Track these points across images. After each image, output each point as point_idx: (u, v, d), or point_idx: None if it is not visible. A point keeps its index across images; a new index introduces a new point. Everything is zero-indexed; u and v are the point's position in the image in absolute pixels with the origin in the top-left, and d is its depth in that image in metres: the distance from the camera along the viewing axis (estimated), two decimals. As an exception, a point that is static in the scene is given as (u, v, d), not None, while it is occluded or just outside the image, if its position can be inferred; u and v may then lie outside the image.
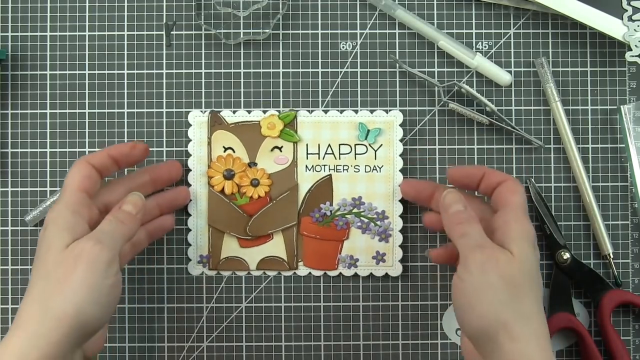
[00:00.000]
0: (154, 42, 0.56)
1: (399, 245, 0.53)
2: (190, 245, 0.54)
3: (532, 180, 0.55)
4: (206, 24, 0.56)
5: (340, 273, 0.54)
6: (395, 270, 0.53)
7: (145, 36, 0.56)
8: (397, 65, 0.55)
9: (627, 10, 0.53)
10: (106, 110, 0.56)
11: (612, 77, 0.56)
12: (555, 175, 0.56)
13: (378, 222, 0.53)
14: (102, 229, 0.44)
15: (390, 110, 0.54)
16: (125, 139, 0.55)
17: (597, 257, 0.55)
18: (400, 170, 0.53)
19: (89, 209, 0.46)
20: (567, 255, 0.54)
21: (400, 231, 0.53)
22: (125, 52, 0.56)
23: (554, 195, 0.56)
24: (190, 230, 0.54)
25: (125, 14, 0.56)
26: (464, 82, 0.56)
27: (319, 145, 0.53)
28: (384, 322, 0.55)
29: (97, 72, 0.56)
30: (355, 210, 0.53)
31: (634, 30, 0.53)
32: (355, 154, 0.53)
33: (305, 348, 0.55)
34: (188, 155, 0.54)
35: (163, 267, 0.55)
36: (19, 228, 0.55)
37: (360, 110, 0.54)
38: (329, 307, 0.55)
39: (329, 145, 0.53)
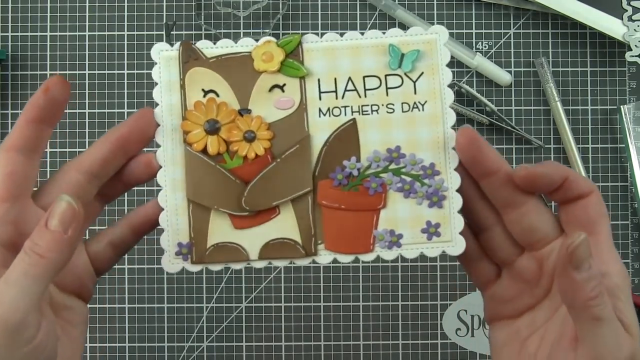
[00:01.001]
0: (154, 42, 0.56)
1: (459, 212, 0.37)
2: (162, 230, 0.39)
3: (532, 180, 0.55)
4: (206, 24, 0.56)
5: (379, 256, 0.38)
6: (457, 246, 0.37)
7: (145, 36, 0.56)
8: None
9: (627, 10, 0.53)
10: (106, 110, 0.56)
11: (612, 77, 0.56)
12: (555, 175, 0.56)
13: (426, 181, 0.38)
14: (8, 278, 0.30)
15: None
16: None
17: (597, 257, 0.55)
18: (451, 107, 0.38)
19: (14, 224, 0.33)
20: (567, 255, 0.54)
21: (459, 191, 0.37)
22: (125, 52, 0.56)
23: (554, 195, 0.56)
24: (162, 209, 0.38)
25: (125, 14, 0.56)
26: (464, 82, 0.56)
27: (335, 79, 0.39)
28: (384, 322, 0.55)
29: (97, 72, 0.56)
30: (392, 166, 0.38)
31: (634, 30, 0.53)
32: (387, 88, 0.39)
33: (305, 348, 0.55)
34: (155, 105, 0.38)
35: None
36: (19, 228, 0.55)
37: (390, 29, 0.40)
38: (329, 307, 0.55)
39: (350, 78, 0.39)
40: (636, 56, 0.53)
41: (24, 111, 0.34)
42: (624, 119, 0.55)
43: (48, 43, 0.56)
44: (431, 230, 0.38)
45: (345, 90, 0.39)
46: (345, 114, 0.39)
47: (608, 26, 0.53)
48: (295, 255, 0.38)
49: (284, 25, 0.56)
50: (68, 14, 0.56)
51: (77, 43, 0.56)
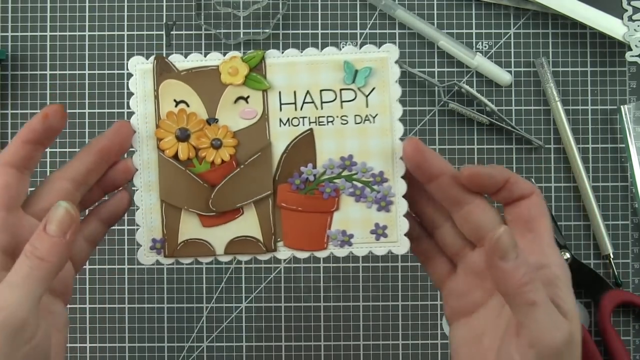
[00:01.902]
0: (154, 42, 0.56)
1: (404, 215, 0.42)
2: (138, 227, 0.43)
3: (532, 180, 0.55)
4: (206, 24, 0.56)
5: (331, 253, 0.42)
6: (401, 246, 0.42)
7: (145, 36, 0.56)
8: (398, 65, 0.55)
9: (627, 10, 0.53)
10: (106, 110, 0.56)
11: (612, 77, 0.56)
12: (555, 175, 0.56)
13: (375, 187, 0.43)
14: (11, 281, 0.33)
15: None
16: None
17: (597, 257, 0.55)
18: (400, 120, 0.42)
19: (10, 231, 0.36)
20: (567, 256, 0.54)
21: (405, 197, 0.42)
22: (125, 52, 0.56)
23: (554, 195, 0.56)
24: (138, 208, 0.43)
25: (125, 14, 0.56)
26: (464, 82, 0.56)
27: (294, 92, 0.43)
28: (384, 322, 0.55)
29: (97, 72, 0.56)
30: (345, 172, 0.43)
31: (634, 30, 0.53)
32: (342, 101, 0.43)
33: (305, 348, 0.55)
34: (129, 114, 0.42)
35: (163, 266, 0.55)
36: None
37: (346, 45, 0.45)
38: (329, 307, 0.55)
39: (308, 92, 0.43)
40: (636, 56, 0.53)
41: (22, 131, 0.38)
42: (624, 119, 0.55)
43: (48, 43, 0.56)
44: (379, 232, 0.42)
45: (304, 102, 0.43)
46: (304, 124, 0.43)
47: (608, 26, 0.53)
48: (257, 252, 0.43)
49: (284, 25, 0.56)
50: (68, 14, 0.56)
51: (77, 43, 0.56)
